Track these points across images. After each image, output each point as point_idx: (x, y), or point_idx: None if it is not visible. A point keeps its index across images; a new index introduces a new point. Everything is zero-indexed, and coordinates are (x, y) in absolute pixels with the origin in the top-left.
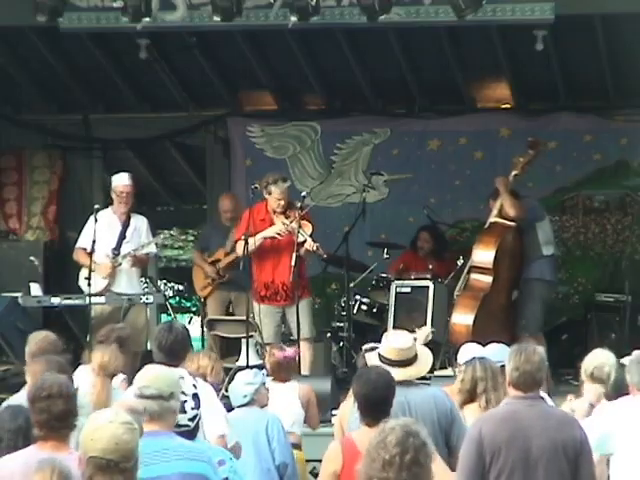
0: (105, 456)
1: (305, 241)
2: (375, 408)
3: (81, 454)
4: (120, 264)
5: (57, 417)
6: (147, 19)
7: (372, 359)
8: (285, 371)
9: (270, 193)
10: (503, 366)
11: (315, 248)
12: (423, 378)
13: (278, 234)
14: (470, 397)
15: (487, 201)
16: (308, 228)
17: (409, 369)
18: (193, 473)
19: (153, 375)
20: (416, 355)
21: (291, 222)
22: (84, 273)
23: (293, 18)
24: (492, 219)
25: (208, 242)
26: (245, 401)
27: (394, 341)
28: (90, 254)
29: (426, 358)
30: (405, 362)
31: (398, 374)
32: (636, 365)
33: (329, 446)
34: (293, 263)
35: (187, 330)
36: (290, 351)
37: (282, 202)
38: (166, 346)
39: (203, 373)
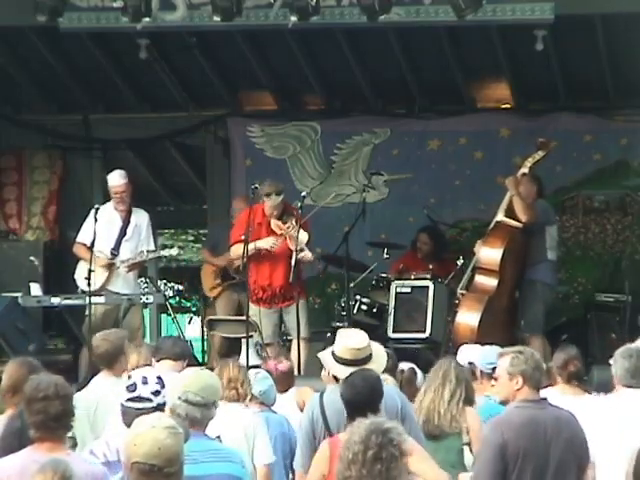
0: (148, 461)
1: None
2: (359, 412)
3: (125, 460)
4: (118, 268)
5: (54, 418)
6: (147, 19)
7: (325, 358)
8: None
9: (264, 201)
10: (494, 368)
11: (311, 260)
12: None
13: (272, 247)
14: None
15: (489, 201)
16: (304, 237)
17: (364, 368)
18: (234, 475)
19: (202, 384)
20: (371, 355)
21: (289, 229)
22: (83, 271)
23: (293, 18)
24: (498, 218)
25: (217, 241)
26: None
27: (348, 340)
28: (90, 252)
29: (381, 357)
30: (359, 361)
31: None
32: (621, 359)
33: (320, 446)
34: (293, 263)
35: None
36: (284, 365)
37: (275, 213)
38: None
39: None
